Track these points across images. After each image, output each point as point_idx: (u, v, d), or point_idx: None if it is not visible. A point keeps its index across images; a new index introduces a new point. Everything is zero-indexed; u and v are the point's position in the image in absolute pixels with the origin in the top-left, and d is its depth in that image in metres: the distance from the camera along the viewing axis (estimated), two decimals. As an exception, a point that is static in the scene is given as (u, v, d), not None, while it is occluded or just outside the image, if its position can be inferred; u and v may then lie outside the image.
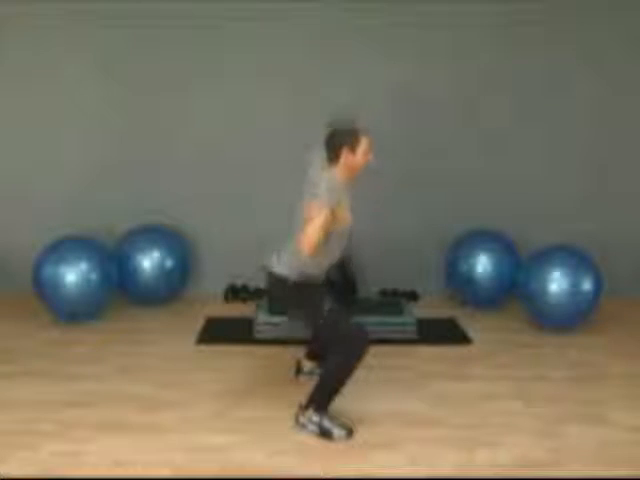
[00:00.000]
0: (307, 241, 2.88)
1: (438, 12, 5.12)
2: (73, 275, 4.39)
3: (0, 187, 5.33)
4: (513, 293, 4.93)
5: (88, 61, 5.17)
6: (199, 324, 4.65)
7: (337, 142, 3.08)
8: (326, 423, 3.01)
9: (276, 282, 3.14)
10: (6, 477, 2.68)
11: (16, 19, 5.10)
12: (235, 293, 5.26)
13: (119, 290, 4.90)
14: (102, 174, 5.30)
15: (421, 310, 5.00)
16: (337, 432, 3.00)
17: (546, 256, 4.42)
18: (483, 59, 5.18)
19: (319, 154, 3.19)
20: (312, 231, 2.88)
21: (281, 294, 3.17)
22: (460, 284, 4.94)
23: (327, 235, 2.98)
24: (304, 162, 5.19)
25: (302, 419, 3.06)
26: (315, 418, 3.02)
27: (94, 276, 4.44)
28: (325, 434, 3.00)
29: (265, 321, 4.31)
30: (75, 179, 5.31)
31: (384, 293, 5.31)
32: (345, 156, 3.08)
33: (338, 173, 3.08)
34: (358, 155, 3.09)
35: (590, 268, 4.33)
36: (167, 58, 5.17)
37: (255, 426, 3.13)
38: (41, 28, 5.12)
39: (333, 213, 2.95)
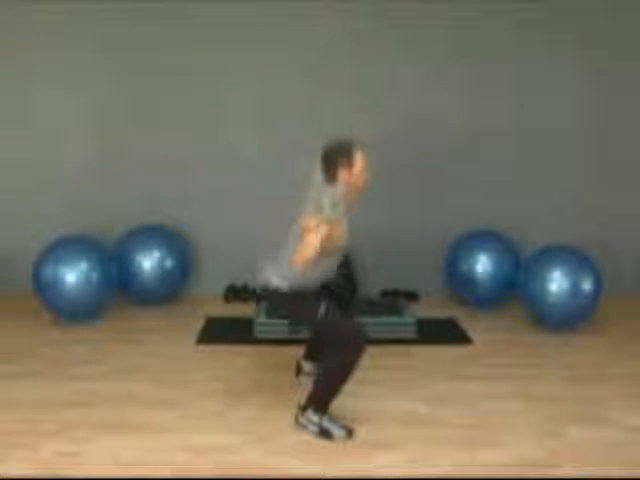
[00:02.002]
0: (300, 257, 2.87)
1: (437, 13, 5.13)
2: (73, 275, 4.39)
3: (0, 187, 5.33)
4: (513, 293, 4.93)
5: (89, 61, 5.17)
6: (199, 324, 4.65)
7: (333, 162, 3.05)
8: (326, 423, 3.01)
9: (271, 293, 3.12)
10: (6, 477, 2.68)
11: (20, 18, 5.11)
12: (235, 293, 5.26)
13: (119, 290, 4.90)
14: (102, 174, 5.31)
15: (421, 310, 5.01)
16: (337, 432, 3.00)
17: (546, 256, 4.42)
18: (482, 61, 5.18)
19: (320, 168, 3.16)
20: (307, 248, 2.85)
21: (277, 304, 3.16)
22: (460, 284, 4.94)
23: (322, 251, 2.96)
24: (306, 171, 5.21)
25: (302, 419, 3.06)
26: (315, 418, 3.02)
27: (94, 276, 4.44)
28: (325, 434, 3.00)
29: (265, 321, 4.31)
30: (75, 179, 5.31)
31: (384, 293, 5.31)
32: (342, 175, 3.05)
33: (339, 189, 3.05)
34: (355, 173, 3.06)
35: (590, 268, 4.33)
36: (167, 58, 5.17)
37: (255, 426, 3.13)
38: (42, 27, 5.13)
39: (331, 230, 2.93)
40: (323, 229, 2.85)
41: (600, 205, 5.37)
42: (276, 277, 3.09)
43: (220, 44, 5.15)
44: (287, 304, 3.13)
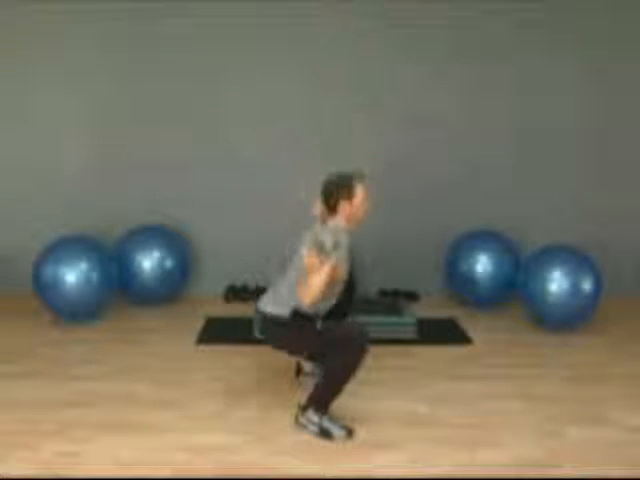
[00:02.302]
0: (309, 294, 2.90)
1: (437, 13, 5.13)
2: (73, 275, 4.39)
3: (0, 187, 5.33)
4: (513, 293, 4.93)
5: (89, 61, 5.17)
6: (199, 324, 4.65)
7: (334, 195, 3.09)
8: (326, 423, 3.01)
9: (270, 322, 3.09)
10: (6, 477, 2.68)
11: (20, 18, 5.11)
12: (235, 293, 5.26)
13: (119, 290, 4.90)
14: (102, 174, 5.31)
15: (421, 310, 5.01)
16: (337, 432, 3.00)
17: (546, 256, 4.43)
18: (482, 60, 5.18)
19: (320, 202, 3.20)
20: (315, 287, 2.89)
21: (276, 333, 3.11)
22: (460, 284, 4.94)
23: (326, 288, 3.00)
24: (306, 172, 5.20)
25: (302, 419, 3.06)
26: (315, 418, 3.02)
27: (94, 276, 4.44)
28: (325, 434, 3.00)
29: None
30: (75, 179, 5.31)
31: (384, 293, 5.31)
32: (343, 207, 3.09)
33: (340, 222, 3.09)
34: (355, 205, 3.10)
35: (590, 268, 4.33)
36: (167, 59, 5.17)
37: (255, 426, 3.13)
38: (42, 27, 5.13)
39: (334, 269, 2.97)
40: (327, 270, 2.90)
41: (600, 205, 5.38)
42: (277, 306, 3.08)
43: (220, 44, 5.16)
44: (286, 333, 3.09)
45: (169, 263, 4.87)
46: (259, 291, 5.29)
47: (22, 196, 5.34)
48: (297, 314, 3.05)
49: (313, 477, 2.70)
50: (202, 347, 4.20)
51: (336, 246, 2.94)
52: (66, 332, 4.44)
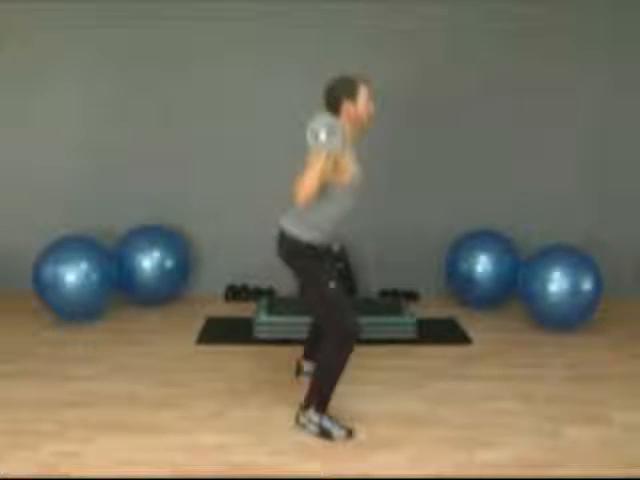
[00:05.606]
0: (301, 188, 2.74)
1: (437, 13, 5.13)
2: (73, 275, 4.39)
3: (0, 187, 5.33)
4: (513, 293, 4.93)
5: (90, 61, 5.17)
6: (199, 324, 4.65)
7: (336, 94, 2.95)
8: (326, 423, 3.01)
9: (288, 242, 3.02)
10: (6, 477, 2.68)
11: (17, 15, 5.11)
12: (235, 293, 5.26)
13: (119, 290, 4.90)
14: (102, 174, 5.31)
15: (421, 310, 5.01)
16: (337, 432, 3.00)
17: (546, 256, 4.42)
18: (484, 60, 5.18)
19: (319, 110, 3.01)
20: (307, 178, 2.73)
21: (291, 255, 3.03)
22: (460, 284, 4.94)
23: (327, 186, 2.87)
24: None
25: (302, 419, 3.06)
26: (315, 418, 3.02)
27: (94, 276, 4.44)
28: (325, 434, 3.00)
29: (265, 321, 4.31)
30: (75, 179, 5.31)
31: (384, 293, 5.31)
32: (346, 108, 2.96)
33: (341, 122, 2.90)
34: (359, 105, 2.96)
35: (590, 268, 4.33)
36: (167, 59, 5.17)
37: (255, 426, 3.13)
38: (42, 26, 5.13)
39: (335, 161, 2.83)
40: (322, 157, 2.72)
41: (600, 205, 5.37)
42: (293, 226, 2.99)
43: (220, 44, 5.15)
44: (299, 262, 3.01)
45: (169, 263, 4.87)
46: (259, 291, 5.29)
47: (22, 196, 5.34)
48: (313, 236, 2.97)
49: (313, 477, 2.70)
50: (202, 347, 4.20)
51: (331, 133, 2.72)
52: (66, 332, 4.44)
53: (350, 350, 2.97)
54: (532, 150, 5.30)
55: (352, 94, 2.96)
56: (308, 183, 2.73)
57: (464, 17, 5.12)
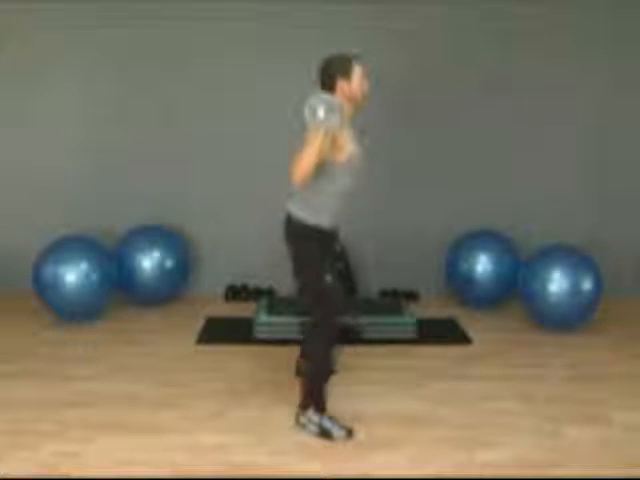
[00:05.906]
0: (299, 166, 2.71)
1: (438, 13, 5.13)
2: (73, 275, 4.39)
3: (0, 187, 5.33)
4: (513, 293, 4.93)
5: (90, 61, 5.17)
6: (199, 324, 4.65)
7: (330, 72, 2.96)
8: (326, 423, 3.01)
9: (294, 226, 3.02)
10: (6, 477, 2.68)
11: (21, 18, 5.11)
12: (235, 293, 5.26)
13: (119, 290, 4.90)
14: (102, 174, 5.31)
15: (421, 310, 5.01)
16: (337, 432, 3.00)
17: (546, 256, 4.43)
18: (484, 60, 5.19)
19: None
20: (305, 155, 2.70)
21: (297, 239, 3.02)
22: (460, 284, 4.94)
23: (325, 163, 2.85)
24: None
25: (302, 419, 3.06)
26: (315, 418, 3.02)
27: (94, 276, 4.44)
28: (325, 434, 3.00)
29: (265, 321, 4.31)
30: (75, 179, 5.31)
31: (384, 293, 5.31)
32: (340, 86, 2.97)
33: (337, 99, 2.86)
34: (353, 83, 2.97)
35: (590, 268, 4.33)
36: (167, 58, 5.17)
37: (255, 426, 3.13)
38: (42, 27, 5.13)
39: (333, 139, 2.82)
40: (320, 135, 2.70)
41: (600, 205, 5.38)
42: (298, 209, 2.99)
43: (220, 44, 5.15)
44: (308, 242, 2.99)
45: (169, 263, 4.87)
46: (259, 291, 5.29)
47: (22, 196, 5.34)
48: (317, 219, 2.97)
49: (313, 477, 2.70)
50: (202, 347, 4.20)
51: (329, 110, 2.71)
52: (66, 332, 4.44)
53: (333, 343, 2.98)
54: (532, 150, 5.31)
55: (346, 72, 2.96)
56: (306, 161, 2.71)
57: (464, 17, 5.12)
